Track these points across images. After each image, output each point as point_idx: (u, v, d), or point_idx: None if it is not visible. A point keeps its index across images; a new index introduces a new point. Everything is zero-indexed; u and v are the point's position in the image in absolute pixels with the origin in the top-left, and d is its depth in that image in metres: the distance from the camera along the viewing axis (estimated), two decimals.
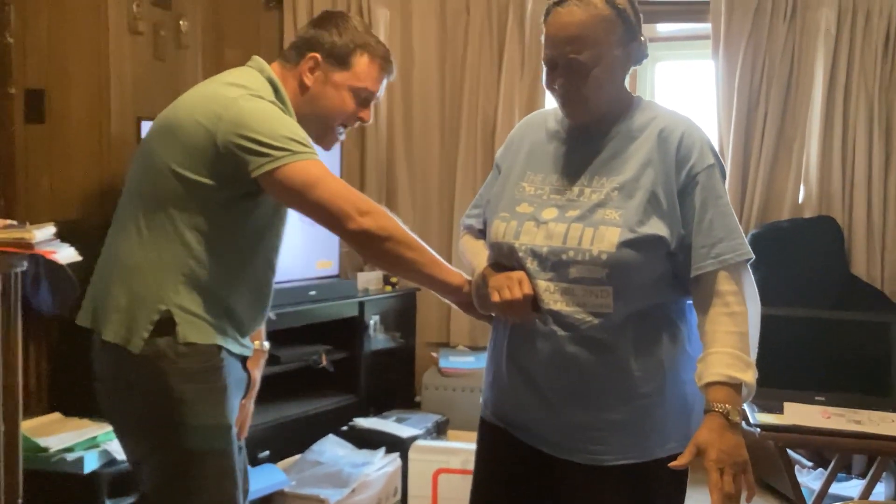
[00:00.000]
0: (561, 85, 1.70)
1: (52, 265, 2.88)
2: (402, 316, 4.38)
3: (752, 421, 2.88)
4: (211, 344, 1.87)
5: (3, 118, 3.39)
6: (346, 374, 4.05)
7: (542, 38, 1.73)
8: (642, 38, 1.75)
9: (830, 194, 4.10)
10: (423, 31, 4.38)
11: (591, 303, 1.67)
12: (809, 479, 3.49)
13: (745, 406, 3.06)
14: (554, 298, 1.69)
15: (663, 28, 4.59)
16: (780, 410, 2.96)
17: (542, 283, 1.70)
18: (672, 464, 1.61)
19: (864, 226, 4.06)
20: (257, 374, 2.22)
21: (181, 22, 4.17)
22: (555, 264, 1.69)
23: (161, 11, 4.00)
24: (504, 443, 1.85)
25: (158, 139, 1.93)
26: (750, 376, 1.62)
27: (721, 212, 1.69)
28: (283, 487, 3.26)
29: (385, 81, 2.06)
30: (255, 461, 3.43)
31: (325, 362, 3.94)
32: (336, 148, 4.13)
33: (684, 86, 4.72)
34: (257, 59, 2.02)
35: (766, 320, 3.31)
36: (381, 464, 3.47)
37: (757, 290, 1.73)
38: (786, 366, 3.17)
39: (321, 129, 2.00)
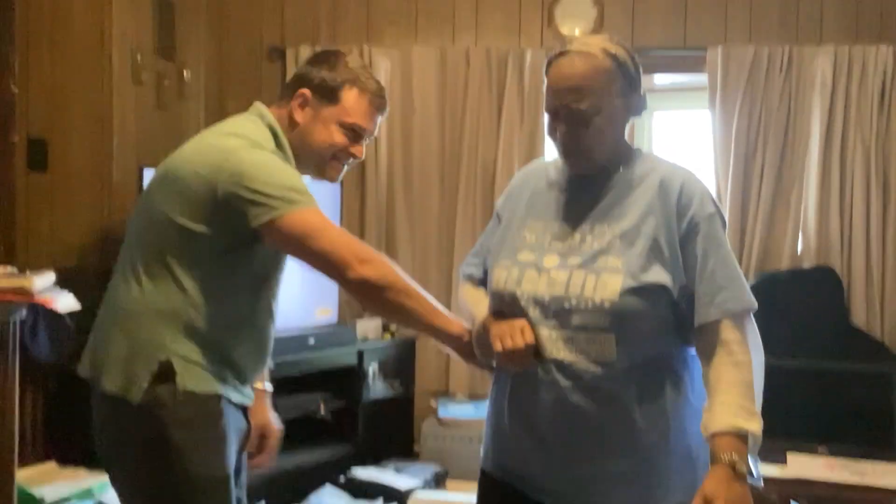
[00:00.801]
0: (563, 133, 1.72)
1: (51, 313, 2.88)
2: (402, 364, 4.36)
3: (755, 475, 2.85)
4: (211, 393, 1.85)
5: (5, 166, 3.40)
6: (344, 423, 4.03)
7: (544, 89, 1.75)
8: (642, 92, 1.78)
9: (829, 245, 4.11)
10: (424, 80, 4.43)
11: (593, 351, 1.66)
12: None
13: (749, 457, 3.05)
14: (557, 347, 1.68)
15: (661, 79, 4.64)
16: (783, 461, 2.93)
17: (545, 332, 1.69)
18: (698, 495, 1.58)
19: (864, 276, 4.06)
20: (269, 416, 2.22)
21: (184, 72, 4.22)
22: (557, 312, 1.68)
23: (164, 62, 4.05)
24: (505, 495, 1.82)
25: (159, 189, 1.95)
26: (756, 426, 1.61)
27: (723, 261, 1.69)
28: None
29: (379, 118, 2.05)
30: None
31: (323, 411, 3.91)
32: (336, 194, 4.18)
33: (681, 136, 4.76)
34: (258, 106, 2.04)
35: (766, 371, 3.30)
36: None
37: (760, 339, 1.72)
38: (788, 417, 3.15)
39: (314, 163, 2.00)
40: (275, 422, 2.24)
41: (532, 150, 4.30)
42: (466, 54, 4.38)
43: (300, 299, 4.02)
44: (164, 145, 4.06)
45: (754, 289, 4.27)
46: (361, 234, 4.46)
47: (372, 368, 4.15)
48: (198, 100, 4.41)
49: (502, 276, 1.77)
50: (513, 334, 1.69)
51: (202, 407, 1.84)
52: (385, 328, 4.30)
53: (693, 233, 1.69)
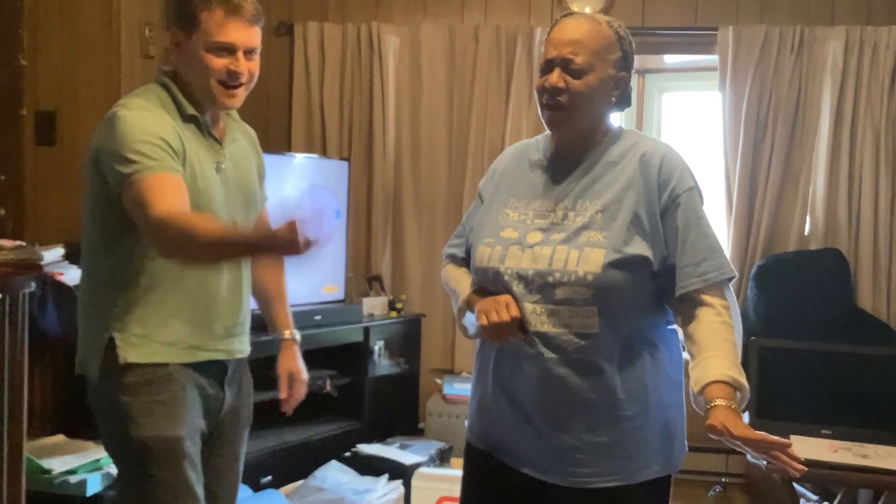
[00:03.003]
0: (553, 83, 1.74)
1: (60, 286, 2.89)
2: (407, 342, 4.37)
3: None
4: (153, 362, 1.92)
5: (14, 139, 3.41)
6: (349, 399, 4.05)
7: (543, 48, 1.79)
8: (631, 80, 1.82)
9: (837, 226, 4.11)
10: (432, 59, 4.41)
11: (577, 323, 1.70)
12: None
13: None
14: (541, 320, 1.72)
15: (671, 59, 4.62)
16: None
17: (529, 306, 1.73)
18: (708, 422, 1.59)
19: (871, 258, 4.06)
20: (297, 363, 2.29)
21: None
22: (541, 286, 1.72)
23: None
24: (490, 467, 1.86)
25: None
26: (745, 382, 1.65)
27: (703, 232, 1.74)
28: None
29: (249, 27, 1.98)
30: (257, 486, 3.42)
31: (329, 388, 3.93)
32: (343, 172, 4.17)
33: (691, 117, 4.74)
34: (162, 68, 2.06)
35: (771, 352, 3.31)
36: (384, 491, 3.46)
37: (739, 310, 1.77)
38: (791, 399, 3.16)
39: (206, 95, 1.97)
40: (302, 369, 2.30)
41: (540, 129, 4.24)
42: (475, 32, 4.36)
43: (306, 276, 4.04)
44: None
45: (760, 269, 4.30)
46: (368, 212, 4.47)
47: (378, 346, 4.17)
48: None
49: (486, 253, 1.80)
50: (498, 309, 1.72)
51: (147, 375, 1.91)
52: (391, 306, 4.31)
53: (673, 206, 1.74)
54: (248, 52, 1.99)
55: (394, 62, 4.41)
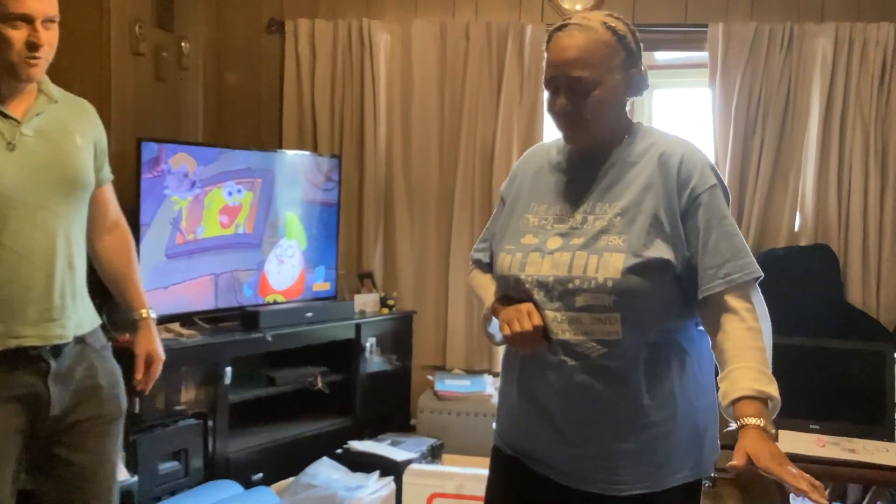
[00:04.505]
0: (562, 107, 1.71)
1: None
2: (399, 338, 4.38)
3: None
4: None
5: None
6: (341, 396, 4.05)
7: (544, 64, 1.74)
8: (643, 68, 1.77)
9: (826, 222, 4.12)
10: (424, 56, 4.41)
11: (599, 330, 1.67)
12: None
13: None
14: (562, 328, 1.69)
15: (661, 56, 4.63)
16: (774, 438, 2.96)
17: (550, 314, 1.70)
18: (729, 464, 1.54)
19: (860, 254, 4.08)
20: (154, 343, 2.29)
21: (183, 44, 4.21)
22: (561, 294, 1.68)
23: (163, 33, 4.04)
24: (517, 472, 1.84)
25: None
26: (775, 390, 1.61)
27: (726, 232, 1.68)
28: None
29: None
30: (248, 483, 3.43)
31: (320, 384, 3.94)
32: (335, 171, 4.17)
33: (681, 113, 4.75)
34: None
35: None
36: (376, 487, 3.46)
37: (767, 309, 1.71)
38: (781, 394, 3.17)
39: (7, 69, 1.95)
40: (159, 349, 2.29)
41: (531, 126, 4.30)
42: (466, 29, 4.36)
43: (298, 273, 4.05)
44: (163, 117, 4.09)
45: None
46: (359, 209, 4.47)
47: (369, 342, 4.17)
48: (196, 72, 4.40)
49: (506, 261, 1.78)
50: (520, 318, 1.70)
51: None
52: (383, 303, 4.31)
53: (695, 206, 1.68)
54: (47, 22, 1.97)
55: (385, 59, 4.41)
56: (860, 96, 4.06)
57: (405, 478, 3.52)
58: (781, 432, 3.01)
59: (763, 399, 1.59)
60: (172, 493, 3.19)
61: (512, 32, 4.31)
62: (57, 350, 2.02)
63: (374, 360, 4.22)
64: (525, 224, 1.80)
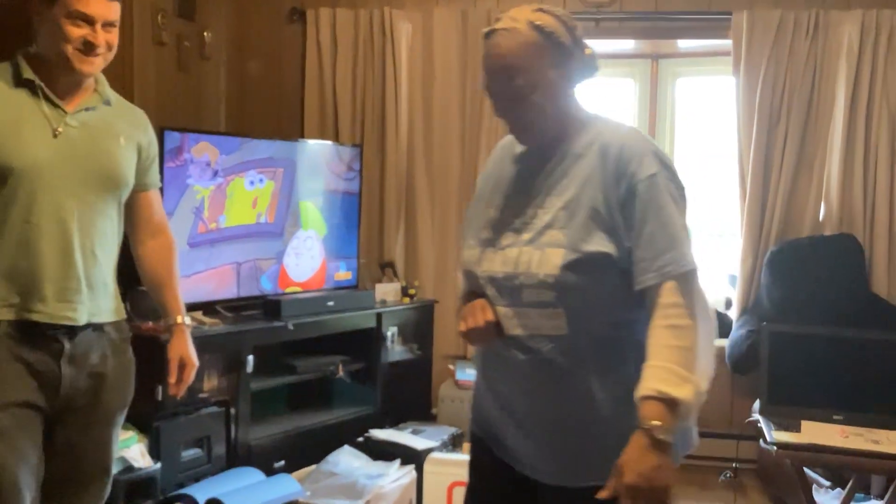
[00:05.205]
0: (502, 113, 1.72)
1: None
2: (420, 328, 4.38)
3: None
4: None
5: None
6: (362, 385, 4.07)
7: (482, 69, 1.73)
8: (587, 52, 1.73)
9: (852, 212, 4.08)
10: (445, 44, 4.40)
11: (545, 326, 1.66)
12: (827, 498, 3.46)
13: (762, 423, 3.05)
14: (513, 324, 1.70)
15: (684, 44, 4.59)
16: (797, 429, 2.94)
17: (501, 309, 1.71)
18: (599, 494, 1.55)
19: (886, 244, 4.03)
20: (188, 349, 2.33)
21: (205, 34, 4.22)
22: (510, 290, 1.69)
23: (185, 23, 4.05)
24: (491, 456, 1.86)
25: None
26: (685, 392, 1.54)
27: (663, 222, 1.62)
28: (297, 498, 3.27)
29: (107, 2, 2.07)
30: (270, 471, 3.45)
31: (341, 373, 3.95)
32: (357, 160, 4.18)
33: (705, 102, 4.72)
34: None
35: (782, 338, 3.30)
36: (396, 476, 3.47)
37: (707, 301, 1.67)
38: (804, 384, 3.15)
39: (61, 62, 2.04)
40: (192, 355, 2.34)
41: None
42: (488, 16, 4.33)
43: (319, 262, 4.06)
44: (185, 107, 4.11)
45: (774, 255, 4.28)
46: (381, 199, 4.47)
47: (391, 331, 4.18)
48: (218, 61, 4.42)
49: (466, 256, 1.80)
50: (474, 313, 1.71)
51: None
52: (404, 292, 4.32)
53: (632, 196, 1.64)
54: (107, 25, 2.07)
55: (406, 48, 4.41)
56: (887, 84, 4.01)
57: (426, 466, 3.53)
58: (804, 422, 3.00)
59: (668, 400, 1.53)
60: (195, 480, 3.22)
61: None
62: (72, 333, 2.08)
63: (395, 349, 4.23)
64: (487, 218, 1.80)
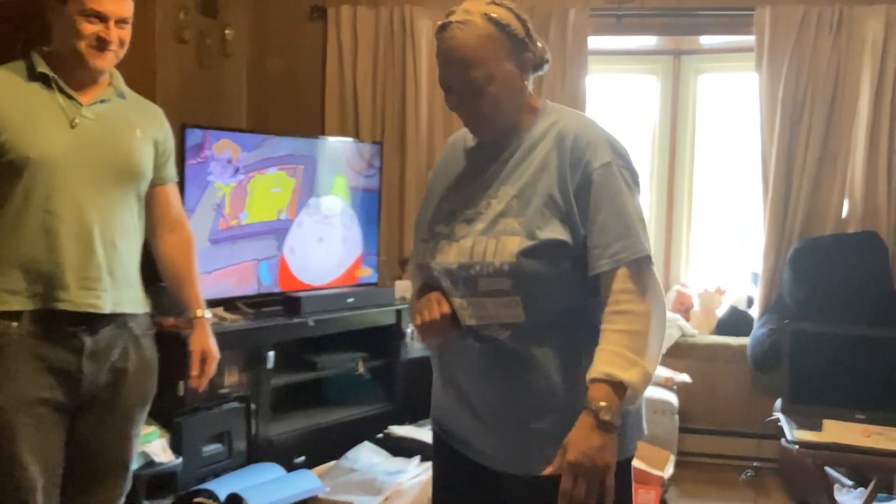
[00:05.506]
0: (458, 107, 1.72)
1: None
2: None
3: (788, 438, 2.84)
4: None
5: None
6: (382, 381, 4.08)
7: (437, 63, 1.73)
8: (539, 45, 1.75)
9: (875, 209, 4.04)
10: None
11: (502, 314, 1.66)
12: (849, 498, 3.43)
13: (783, 422, 3.04)
14: (468, 314, 1.69)
15: (706, 40, 4.56)
16: (818, 428, 2.92)
17: (457, 300, 1.70)
18: (546, 470, 1.61)
19: None
20: (209, 341, 2.34)
21: (227, 31, 4.24)
22: (465, 280, 1.68)
23: (207, 20, 4.07)
24: (452, 455, 1.85)
25: None
26: (633, 375, 1.57)
27: (616, 210, 1.64)
28: (317, 493, 3.28)
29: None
30: (290, 466, 3.47)
31: (361, 369, 3.96)
32: (377, 157, 4.18)
33: (727, 98, 4.69)
34: None
35: (804, 337, 3.27)
36: (416, 472, 3.48)
37: (661, 288, 1.68)
38: (826, 383, 3.13)
39: (76, 58, 2.07)
40: (214, 347, 2.35)
41: (574, 108, 4.25)
42: None
43: (339, 259, 4.07)
44: (206, 104, 4.13)
45: (797, 253, 4.25)
46: (401, 196, 4.48)
47: (410, 328, 4.19)
48: (240, 59, 4.44)
49: (420, 250, 1.79)
50: (429, 307, 1.71)
51: None
52: None
53: (586, 183, 1.65)
54: (120, 22, 2.10)
55: (427, 45, 4.41)
56: None
57: None
58: (826, 421, 2.97)
59: (615, 382, 1.56)
60: (216, 475, 3.24)
61: (554, 17, 4.28)
62: (93, 328, 2.09)
63: (414, 346, 4.23)
64: (440, 212, 1.80)
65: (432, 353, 1.86)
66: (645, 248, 1.65)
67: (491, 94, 1.67)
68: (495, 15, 1.68)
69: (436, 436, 1.92)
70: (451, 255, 1.71)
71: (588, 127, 1.72)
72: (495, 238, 1.67)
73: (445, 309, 1.70)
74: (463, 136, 1.88)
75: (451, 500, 1.90)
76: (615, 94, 4.89)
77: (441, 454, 1.91)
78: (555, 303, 1.67)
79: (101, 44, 2.07)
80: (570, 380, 1.68)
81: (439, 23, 1.70)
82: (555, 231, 1.65)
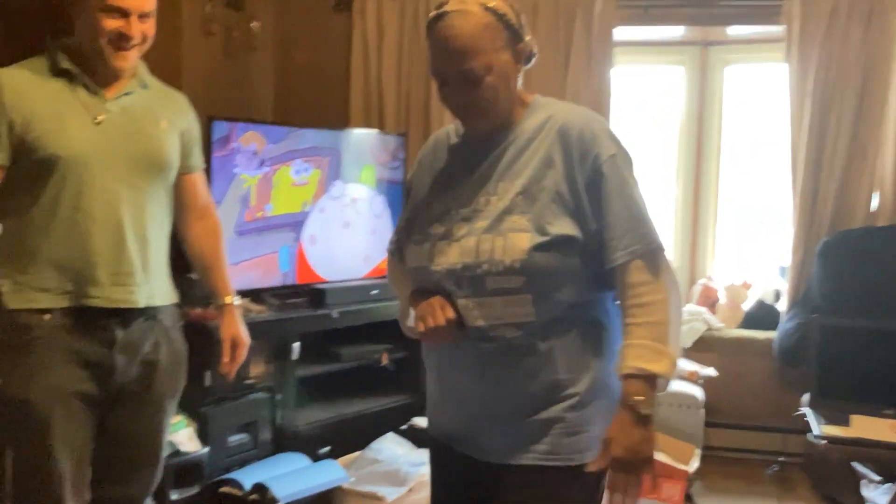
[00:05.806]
0: (455, 97, 1.69)
1: None
2: None
3: (815, 433, 2.82)
4: (31, 308, 2.01)
5: None
6: (406, 373, 4.08)
7: (429, 54, 1.70)
8: (527, 38, 1.73)
9: None
10: None
11: (511, 313, 1.65)
12: (877, 493, 3.40)
13: (810, 417, 3.01)
14: (475, 315, 1.67)
15: (734, 31, 4.51)
16: (846, 423, 2.90)
17: (462, 301, 1.68)
18: (589, 467, 1.63)
19: None
20: (239, 328, 2.36)
21: (252, 24, 4.25)
22: (471, 280, 1.66)
23: (233, 13, 4.09)
24: (450, 459, 1.85)
25: None
26: (662, 366, 1.60)
27: (626, 202, 1.65)
28: (342, 484, 3.30)
29: None
30: (315, 457, 3.49)
31: (385, 361, 3.97)
32: (401, 149, 4.18)
33: (755, 90, 4.64)
34: None
35: (831, 331, 3.25)
36: None
37: (674, 273, 1.69)
38: (854, 378, 3.10)
39: (97, 55, 2.06)
40: (244, 334, 2.36)
41: (598, 103, 4.24)
42: (534, 5, 4.31)
43: (363, 251, 4.08)
44: (232, 96, 4.15)
45: (826, 246, 4.21)
46: None
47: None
48: (265, 51, 4.45)
49: (415, 253, 1.77)
50: (433, 312, 1.68)
51: (20, 322, 2.03)
52: None
53: (597, 177, 1.66)
54: (142, 16, 2.07)
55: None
56: None
57: None
58: (853, 416, 2.95)
59: (647, 376, 1.59)
60: (241, 465, 3.27)
61: (580, 8, 4.25)
62: (126, 321, 2.10)
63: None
64: (431, 212, 1.77)
65: (429, 353, 1.84)
66: (656, 238, 1.66)
67: (489, 84, 1.66)
68: (492, 4, 1.66)
69: (431, 438, 1.92)
70: (452, 256, 1.69)
71: (590, 119, 1.72)
72: (502, 236, 1.65)
73: (450, 314, 1.68)
74: (446, 133, 1.86)
75: (451, 499, 1.90)
76: (641, 85, 4.86)
77: (438, 458, 1.92)
78: (564, 299, 1.67)
79: (123, 40, 2.05)
80: (574, 375, 1.69)
81: (432, 13, 1.68)
82: (565, 226, 1.65)
